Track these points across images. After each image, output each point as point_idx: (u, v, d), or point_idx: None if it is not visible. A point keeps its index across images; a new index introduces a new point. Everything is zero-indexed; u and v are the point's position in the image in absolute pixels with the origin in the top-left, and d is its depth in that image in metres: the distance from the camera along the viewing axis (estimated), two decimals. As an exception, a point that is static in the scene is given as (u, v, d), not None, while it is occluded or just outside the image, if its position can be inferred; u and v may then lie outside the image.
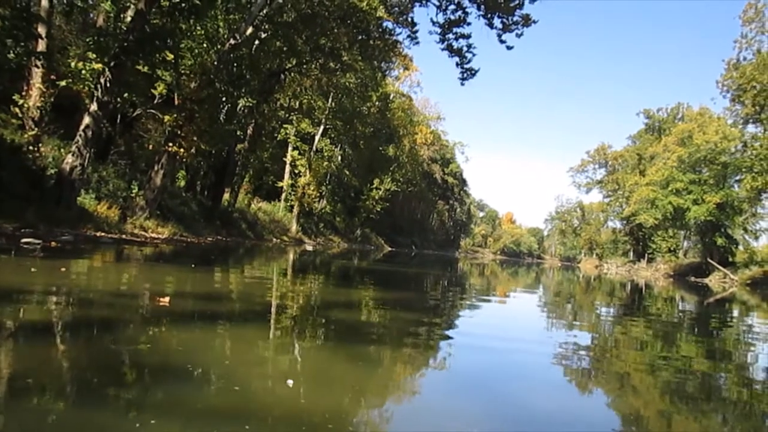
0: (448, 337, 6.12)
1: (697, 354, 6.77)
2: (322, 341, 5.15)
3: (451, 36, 21.25)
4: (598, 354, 6.13)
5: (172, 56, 19.02)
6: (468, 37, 21.20)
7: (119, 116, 21.82)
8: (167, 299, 5.67)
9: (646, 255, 61.53)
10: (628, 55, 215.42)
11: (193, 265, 11.81)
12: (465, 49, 21.17)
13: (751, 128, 42.14)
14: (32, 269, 7.34)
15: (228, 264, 14.68)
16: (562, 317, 10.32)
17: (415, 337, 5.94)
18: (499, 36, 20.50)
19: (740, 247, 51.16)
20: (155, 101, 20.46)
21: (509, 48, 20.84)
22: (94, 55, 15.44)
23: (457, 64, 21.39)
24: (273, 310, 6.70)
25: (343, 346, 5.06)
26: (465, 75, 21.51)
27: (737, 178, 47.28)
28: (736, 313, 15.53)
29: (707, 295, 24.06)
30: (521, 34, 20.15)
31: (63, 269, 7.84)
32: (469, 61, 21.37)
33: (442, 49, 21.35)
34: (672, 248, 57.41)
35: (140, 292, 6.92)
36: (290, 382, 3.31)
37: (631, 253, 73.96)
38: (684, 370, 5.56)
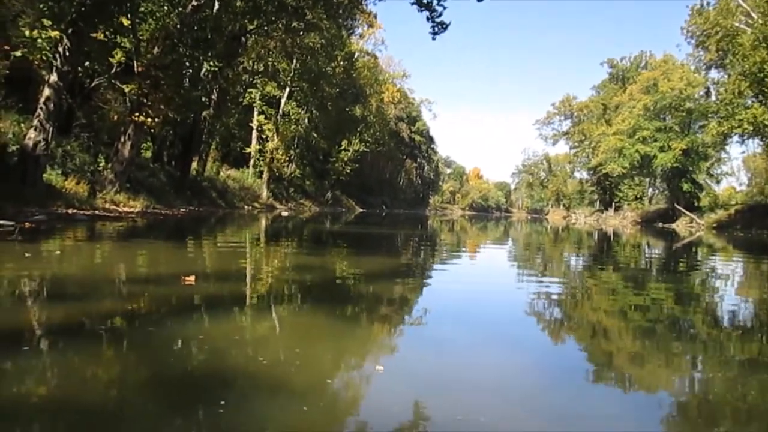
0: (426, 294, 6.35)
1: (666, 297, 7.03)
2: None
3: (420, -11, 20.64)
4: (570, 301, 6.41)
5: (129, 22, 18.12)
6: (438, -11, 20.63)
7: (78, 87, 20.86)
8: (192, 278, 5.50)
9: (613, 203, 62.60)
10: (590, 3, 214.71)
11: (188, 238, 11.54)
12: (435, 2, 20.62)
13: (713, 73, 42.79)
14: (26, 254, 6.96)
15: (216, 235, 14.50)
16: (533, 268, 10.58)
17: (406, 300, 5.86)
18: (469, -12, 20.01)
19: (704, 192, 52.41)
20: (114, 70, 19.54)
21: (480, 0, 20.43)
22: (50, 22, 14.55)
23: (428, 18, 20.83)
24: (305, 285, 6.48)
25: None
26: (436, 29, 21.01)
27: (701, 124, 48.08)
28: (703, 256, 15.92)
29: (675, 240, 24.60)
30: (492, -15, 19.66)
31: (58, 252, 7.49)
32: (440, 15, 20.84)
33: (412, 3, 20.75)
34: (638, 196, 58.49)
35: (160, 272, 6.68)
36: (380, 367, 3.15)
37: (598, 203, 75.24)
38: (653, 312, 5.81)
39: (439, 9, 20.82)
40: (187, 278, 5.49)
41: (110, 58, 19.06)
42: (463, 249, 14.92)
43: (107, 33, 17.36)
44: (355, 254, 11.47)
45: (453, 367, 3.35)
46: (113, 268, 6.95)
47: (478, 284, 7.45)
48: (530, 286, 7.47)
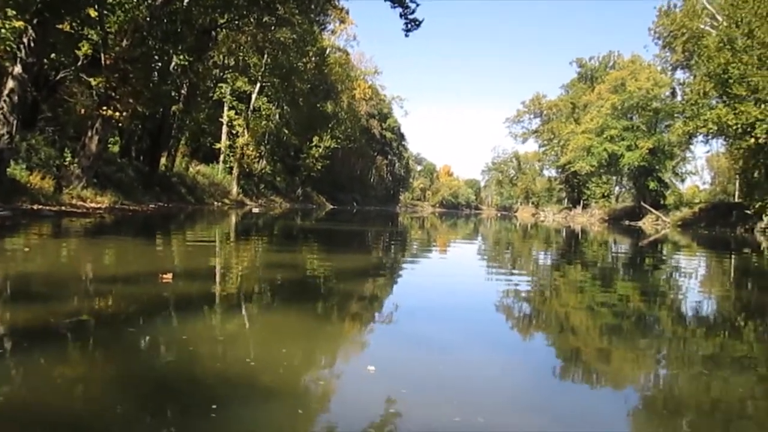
0: (409, 292, 6.43)
1: (633, 293, 7.23)
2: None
3: (393, -14, 20.63)
4: (539, 298, 6.55)
5: (96, 13, 17.69)
6: (411, -14, 20.64)
7: (43, 80, 20.29)
8: (170, 276, 5.45)
9: (581, 201, 63.48)
10: (561, 3, 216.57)
11: (159, 235, 11.34)
12: (408, -1, 20.62)
13: (679, 74, 43.72)
14: None
15: (187, 232, 14.32)
16: (502, 265, 10.70)
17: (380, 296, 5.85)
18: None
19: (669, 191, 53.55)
20: (80, 62, 19.06)
21: (453, -3, 20.45)
22: (14, 12, 14.10)
23: (401, 15, 20.86)
24: (286, 284, 6.39)
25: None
26: (409, 26, 21.04)
27: (667, 123, 49.08)
28: (668, 253, 16.32)
29: (641, 238, 25.09)
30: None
31: (26, 249, 7.25)
32: (413, 12, 20.88)
33: (385, 0, 20.74)
34: (606, 194, 59.29)
35: (136, 270, 6.51)
36: (371, 368, 3.09)
37: (566, 200, 76.26)
38: (620, 308, 5.97)
39: (412, 6, 20.88)
40: (164, 276, 5.43)
41: (76, 51, 18.60)
42: (436, 246, 15.04)
43: (74, 24, 16.93)
44: (329, 251, 11.44)
45: (441, 366, 3.33)
46: (85, 266, 6.76)
47: (454, 282, 7.50)
48: (506, 284, 7.50)
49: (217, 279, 6.24)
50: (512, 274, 8.88)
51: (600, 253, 14.73)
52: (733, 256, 15.41)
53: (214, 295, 5.29)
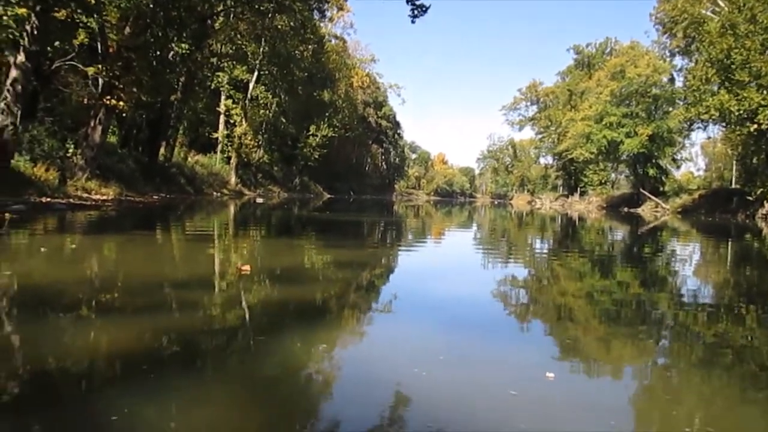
0: (395, 282, 6.31)
1: (632, 281, 7.14)
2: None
3: (398, -29, 20.30)
4: (536, 286, 6.48)
5: (95, 0, 17.27)
6: (417, -30, 20.30)
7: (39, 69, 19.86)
8: (248, 267, 5.56)
9: (578, 188, 63.42)
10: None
11: (191, 227, 11.11)
12: (415, -15, 20.28)
13: (677, 60, 43.61)
14: (42, 249, 6.52)
15: (214, 223, 14.37)
16: (498, 253, 10.42)
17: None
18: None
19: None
20: (77, 51, 18.63)
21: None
22: (16, -1, 13.74)
23: (408, 1, 20.51)
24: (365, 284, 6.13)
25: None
26: (416, 12, 20.67)
27: (665, 110, 48.94)
28: (668, 239, 16.29)
29: (641, 225, 25.04)
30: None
31: (73, 246, 7.04)
32: (420, -3, 20.53)
33: (391, -14, 20.42)
34: (603, 181, 59.18)
35: (211, 264, 6.49)
36: (551, 374, 2.90)
37: (562, 188, 76.27)
38: (619, 297, 5.89)
39: (420, -9, 20.51)
40: (242, 267, 5.56)
41: (73, 40, 18.19)
42: (429, 234, 15.06)
43: (74, 12, 16.53)
44: (361, 245, 11.03)
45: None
46: (158, 264, 6.41)
47: (443, 271, 7.38)
48: (497, 273, 7.37)
49: (296, 275, 6.10)
50: (507, 264, 8.65)
51: (600, 242, 14.61)
52: (734, 242, 15.40)
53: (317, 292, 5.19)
